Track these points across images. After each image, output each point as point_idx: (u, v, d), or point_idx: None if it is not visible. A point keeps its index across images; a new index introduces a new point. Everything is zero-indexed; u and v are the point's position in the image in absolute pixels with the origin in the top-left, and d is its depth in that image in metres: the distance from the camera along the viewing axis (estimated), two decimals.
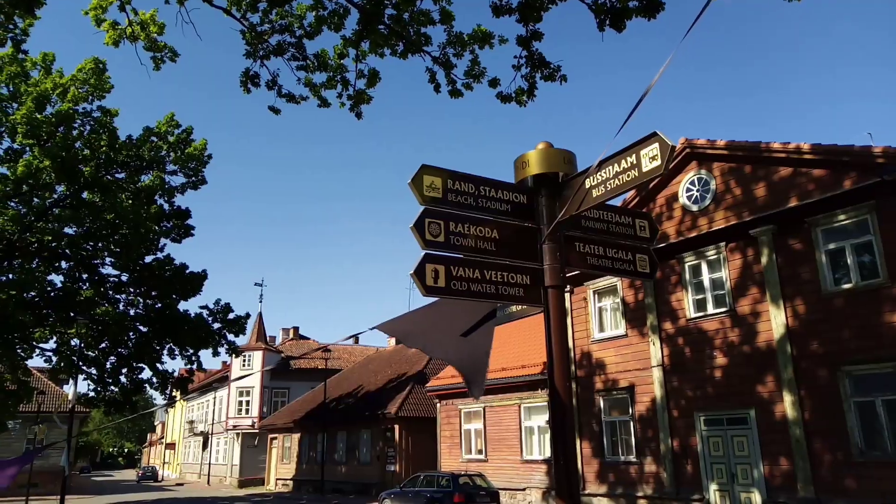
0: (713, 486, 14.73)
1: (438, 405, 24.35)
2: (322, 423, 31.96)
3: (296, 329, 52.11)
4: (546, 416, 19.67)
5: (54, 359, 23.60)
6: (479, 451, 22.10)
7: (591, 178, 3.20)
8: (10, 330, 21.70)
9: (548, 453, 19.46)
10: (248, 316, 25.40)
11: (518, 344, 21.23)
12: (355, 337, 43.93)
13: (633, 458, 16.66)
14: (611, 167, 3.16)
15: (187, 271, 23.80)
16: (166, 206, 23.94)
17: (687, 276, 16.04)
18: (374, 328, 3.24)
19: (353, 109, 10.90)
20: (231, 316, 24.49)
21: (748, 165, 15.09)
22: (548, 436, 19.56)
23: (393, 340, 40.52)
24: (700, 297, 15.75)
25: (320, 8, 9.92)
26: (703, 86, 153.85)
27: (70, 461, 21.04)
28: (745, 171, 15.14)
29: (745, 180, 15.07)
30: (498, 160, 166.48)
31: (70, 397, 25.31)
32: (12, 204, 21.37)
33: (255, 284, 73.52)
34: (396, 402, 27.40)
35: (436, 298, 3.19)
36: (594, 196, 3.19)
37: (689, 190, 16.26)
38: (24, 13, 9.24)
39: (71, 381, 25.23)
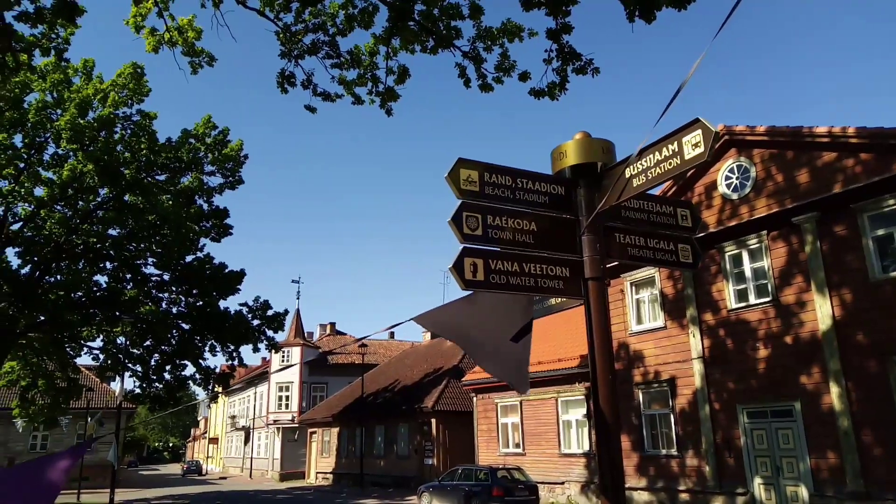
0: (757, 480, 14.42)
1: (475, 399, 24.38)
2: (360, 418, 32.31)
3: (332, 325, 52.74)
4: (583, 410, 19.53)
5: (101, 357, 24.43)
6: (517, 445, 22.06)
7: (632, 167, 3.15)
8: (60, 329, 22.52)
9: (586, 447, 19.33)
10: (286, 312, 25.83)
11: (554, 337, 21.10)
12: (391, 332, 44.29)
13: (673, 451, 16.42)
14: (651, 155, 3.10)
15: (226, 270, 24.28)
16: (205, 207, 24.46)
17: (727, 266, 15.70)
18: (411, 320, 3.24)
19: (383, 106, 10.94)
20: (270, 312, 24.91)
21: (790, 151, 14.67)
22: (586, 429, 19.42)
23: (428, 335, 40.70)
24: (741, 287, 15.40)
25: (350, 6, 9.97)
26: (730, 74, 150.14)
27: (118, 456, 21.69)
28: (786, 157, 14.72)
29: (787, 166, 14.66)
30: (533, 153, 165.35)
31: (117, 394, 26.11)
32: (58, 208, 22.11)
33: (293, 282, 74.76)
34: (433, 397, 27.54)
35: (473, 292, 3.18)
36: (634, 185, 3.13)
37: (728, 178, 15.89)
38: (65, 22, 9.50)
39: (117, 378, 26.00)
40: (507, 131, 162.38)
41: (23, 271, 21.68)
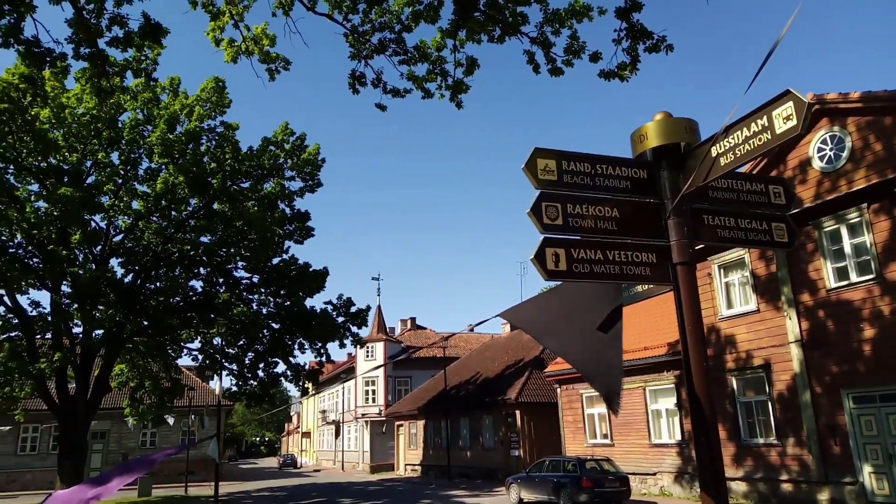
0: (867, 468, 13.52)
1: (559, 390, 24.12)
2: (444, 410, 32.67)
3: (413, 320, 53.57)
4: (673, 399, 18.93)
5: (200, 357, 25.82)
6: (605, 436, 21.67)
7: (718, 145, 3.01)
8: (161, 333, 24.01)
9: (678, 437, 18.74)
10: (368, 309, 26.40)
11: (639, 325, 20.55)
12: (471, 325, 44.48)
13: (772, 440, 15.66)
14: (739, 132, 2.95)
15: (310, 269, 25.10)
16: (287, 211, 25.37)
17: (825, 243, 14.76)
18: (497, 316, 3.22)
19: (453, 99, 10.98)
20: (353, 309, 25.55)
21: (888, 118, 13.59)
22: (676, 419, 18.82)
23: (507, 327, 40.63)
24: (841, 264, 14.44)
25: (416, 3, 10.05)
26: (813, 40, 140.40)
27: (220, 451, 22.91)
28: (884, 124, 13.66)
29: (886, 134, 13.59)
30: (608, 140, 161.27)
31: (216, 392, 27.56)
32: (154, 219, 23.54)
33: (373, 279, 76.59)
34: (516, 388, 27.47)
35: (558, 283, 3.13)
36: (722, 164, 3.00)
37: (820, 150, 14.92)
38: (152, 44, 10.07)
39: (216, 377, 27.44)
40: (581, 119, 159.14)
41: (126, 280, 23.24)
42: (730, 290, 17.24)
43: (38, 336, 23.36)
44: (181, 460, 33.03)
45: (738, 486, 16.29)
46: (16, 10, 8.48)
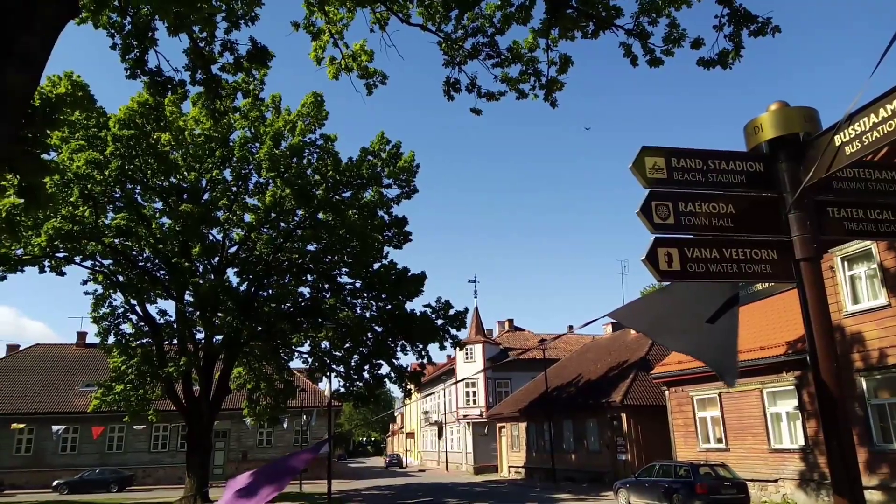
0: None
1: (667, 393, 23.23)
2: (546, 412, 32.33)
3: (510, 321, 53.43)
4: (794, 402, 17.76)
5: (310, 360, 27.05)
6: (719, 440, 20.64)
7: (842, 133, 2.83)
8: (274, 337, 25.39)
9: (801, 441, 17.55)
10: (466, 311, 26.66)
11: (754, 324, 19.43)
12: (570, 326, 43.77)
13: None
14: (865, 119, 2.77)
15: (409, 274, 25.69)
16: (386, 217, 26.13)
17: None
18: (606, 316, 3.19)
19: (548, 98, 10.90)
20: (451, 312, 25.89)
21: None
22: (798, 422, 17.64)
23: (609, 328, 39.63)
24: None
25: (507, 5, 10.07)
26: None
27: (331, 450, 23.87)
28: None
29: None
30: (717, 135, 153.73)
31: (326, 394, 28.74)
32: (265, 230, 24.98)
33: (469, 281, 77.07)
34: (620, 391, 26.75)
35: (669, 283, 3.06)
36: (847, 154, 2.82)
37: None
38: (259, 66, 10.72)
39: (325, 379, 28.62)
40: (685, 116, 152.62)
41: (241, 288, 24.79)
42: (855, 284, 15.95)
43: (166, 342, 25.44)
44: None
45: (873, 496, 15.00)
46: (140, 45, 9.30)
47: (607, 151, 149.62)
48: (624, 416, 26.45)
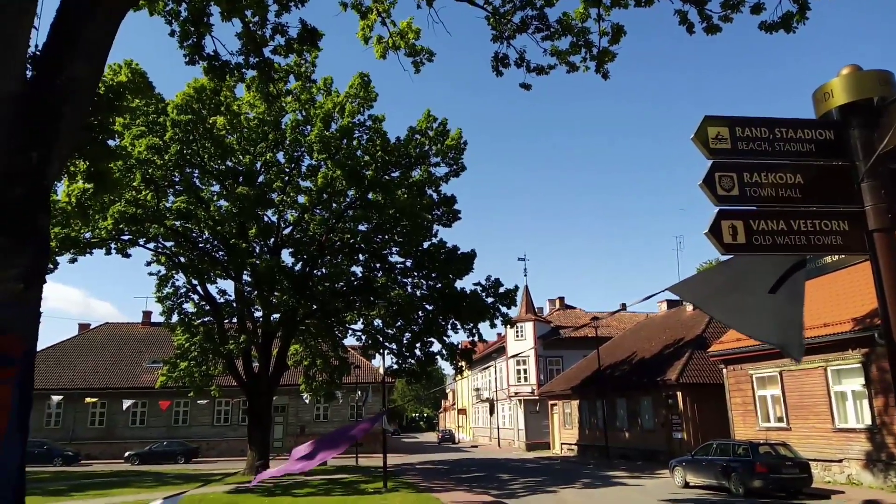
0: None
1: (724, 371, 22.70)
2: (599, 390, 32.12)
3: (561, 299, 53.05)
4: (860, 380, 17.11)
5: (363, 337, 27.58)
6: (779, 419, 20.09)
7: None
8: (328, 315, 25.97)
9: (867, 421, 16.91)
10: (516, 289, 26.60)
11: (818, 300, 18.71)
12: (623, 304, 43.15)
13: None
14: None
15: (459, 252, 25.76)
16: (435, 196, 26.21)
17: None
18: (667, 290, 3.12)
19: (599, 70, 10.65)
20: (501, 290, 25.88)
21: None
22: (865, 401, 16.99)
23: (664, 306, 38.88)
24: None
25: None
26: None
27: (387, 426, 24.39)
28: None
29: None
30: (779, 106, 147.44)
31: (380, 370, 29.28)
32: (317, 211, 25.44)
33: (519, 259, 76.68)
34: (676, 369, 26.29)
35: (731, 257, 2.96)
36: None
37: None
38: (310, 48, 10.83)
39: (378, 356, 29.15)
40: (745, 90, 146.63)
41: (296, 268, 25.40)
42: None
43: (226, 320, 26.36)
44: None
45: None
46: (197, 31, 9.51)
47: (660, 129, 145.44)
48: (679, 394, 26.03)
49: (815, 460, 17.71)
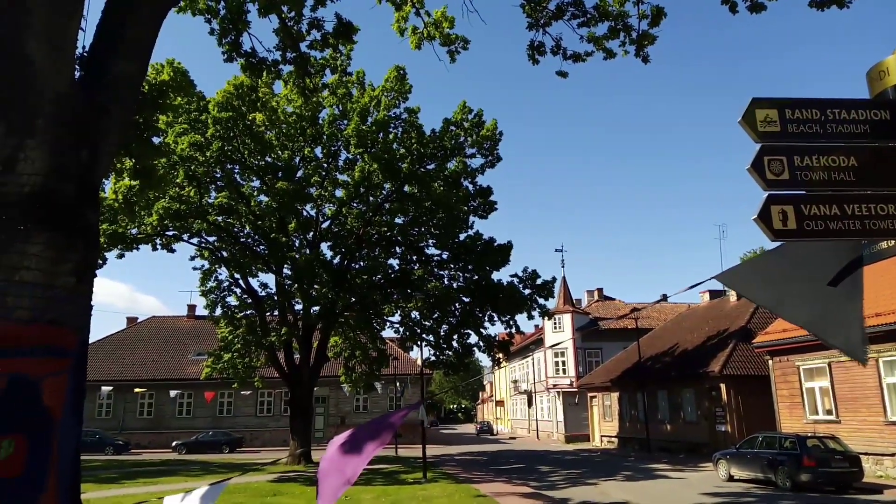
0: None
1: (770, 362, 22.14)
2: (639, 382, 31.70)
3: (600, 290, 52.45)
4: None
5: (401, 329, 27.77)
6: (828, 412, 19.52)
7: None
8: (366, 308, 26.21)
9: None
10: (553, 280, 26.38)
11: (870, 287, 17.96)
12: (664, 295, 42.39)
13: None
14: None
15: (495, 244, 25.66)
16: (470, 187, 26.15)
17: None
18: (713, 278, 3.02)
19: (639, 54, 10.42)
20: (539, 281, 25.70)
21: None
22: None
23: (706, 296, 38.08)
24: None
25: None
26: None
27: (424, 416, 24.54)
28: None
29: None
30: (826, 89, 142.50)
31: (418, 362, 29.46)
32: (355, 205, 25.66)
33: (556, 251, 76.00)
34: (719, 361, 25.76)
35: (782, 244, 2.85)
36: None
37: None
38: (345, 41, 10.89)
39: (415, 348, 29.32)
40: (791, 75, 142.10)
41: (335, 261, 25.69)
42: None
43: (268, 313, 26.86)
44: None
45: None
46: (235, 28, 9.66)
47: (701, 117, 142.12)
48: (723, 386, 25.51)
49: (865, 454, 17.15)
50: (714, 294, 37.19)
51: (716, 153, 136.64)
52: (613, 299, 51.67)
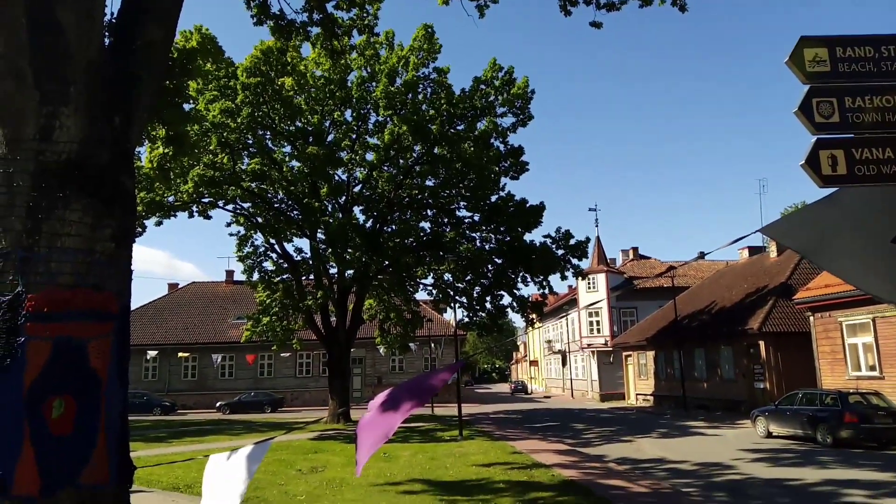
0: None
1: (812, 318, 21.68)
2: (676, 340, 31.45)
3: (635, 249, 51.79)
4: None
5: (434, 291, 27.93)
6: (871, 368, 19.11)
7: None
8: (400, 270, 26.40)
9: None
10: (587, 240, 26.09)
11: None
12: (701, 252, 41.63)
13: None
14: None
15: (527, 205, 25.40)
16: (502, 147, 25.79)
17: None
18: (757, 232, 2.90)
19: (676, 2, 9.99)
20: (572, 242, 25.45)
21: None
22: None
23: (745, 252, 37.27)
24: None
25: None
26: None
27: (460, 376, 24.85)
28: None
29: None
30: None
31: (452, 323, 29.66)
32: (385, 168, 25.61)
33: (589, 210, 74.74)
34: (758, 318, 25.33)
35: (834, 189, 2.72)
36: None
37: None
38: (372, 0, 10.69)
39: (449, 310, 29.53)
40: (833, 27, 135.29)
41: (367, 225, 25.82)
42: None
43: (304, 277, 27.27)
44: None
45: None
46: None
47: (735, 75, 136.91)
48: (762, 343, 25.14)
49: None
50: (753, 250, 36.37)
51: (756, 110, 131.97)
52: (649, 258, 51.00)
